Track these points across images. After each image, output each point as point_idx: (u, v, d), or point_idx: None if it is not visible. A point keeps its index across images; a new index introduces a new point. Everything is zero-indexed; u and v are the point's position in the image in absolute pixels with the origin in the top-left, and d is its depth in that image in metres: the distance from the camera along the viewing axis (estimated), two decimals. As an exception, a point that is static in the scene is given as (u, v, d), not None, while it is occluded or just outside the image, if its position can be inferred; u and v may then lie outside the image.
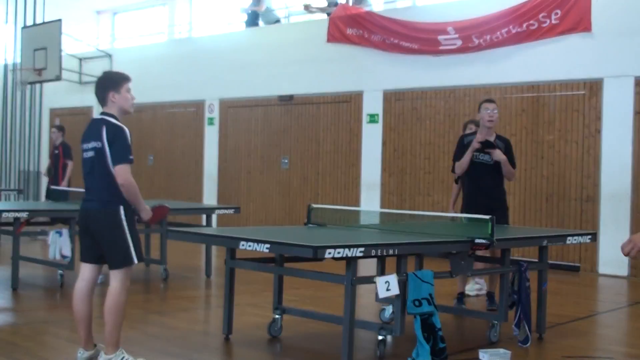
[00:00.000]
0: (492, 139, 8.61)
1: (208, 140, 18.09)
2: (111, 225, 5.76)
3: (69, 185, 14.90)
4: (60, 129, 15.56)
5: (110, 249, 5.79)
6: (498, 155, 8.51)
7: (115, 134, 5.75)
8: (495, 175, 8.65)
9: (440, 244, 6.64)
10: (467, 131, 9.68)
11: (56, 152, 15.31)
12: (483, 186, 8.66)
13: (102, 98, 5.95)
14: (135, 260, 5.79)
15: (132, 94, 6.01)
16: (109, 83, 5.95)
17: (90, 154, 5.83)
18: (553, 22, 12.75)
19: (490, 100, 8.78)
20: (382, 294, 6.12)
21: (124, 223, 5.76)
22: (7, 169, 22.32)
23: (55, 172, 15.19)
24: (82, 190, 6.18)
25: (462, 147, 8.74)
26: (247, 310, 8.39)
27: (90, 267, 5.93)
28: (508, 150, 8.71)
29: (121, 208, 5.76)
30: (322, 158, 15.90)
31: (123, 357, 5.76)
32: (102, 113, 5.94)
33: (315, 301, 9.05)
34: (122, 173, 5.70)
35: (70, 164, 15.07)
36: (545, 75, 12.93)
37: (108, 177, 5.75)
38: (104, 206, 5.77)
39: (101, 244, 5.81)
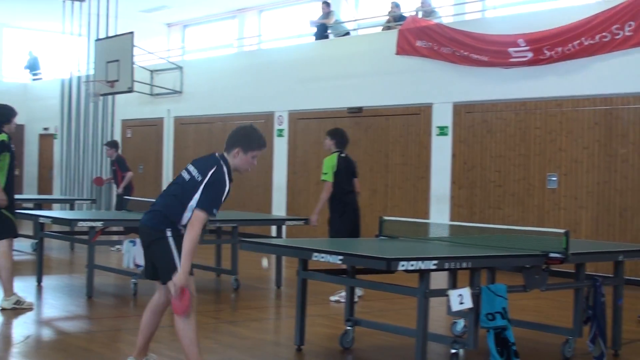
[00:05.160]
0: None
1: (277, 152, 18.20)
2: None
3: (128, 194, 15.11)
4: (112, 145, 15.80)
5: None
6: None
7: (215, 182, 5.62)
8: None
9: (515, 257, 6.58)
10: None
11: (113, 168, 15.63)
12: None
13: (228, 146, 5.79)
14: None
15: (255, 161, 5.84)
16: (243, 141, 5.77)
17: (186, 177, 5.73)
18: (626, 33, 12.55)
19: None
20: (455, 307, 6.11)
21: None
22: (81, 179, 22.77)
23: (117, 186, 15.54)
24: (145, 200, 6.25)
25: None
26: (317, 321, 8.42)
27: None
28: None
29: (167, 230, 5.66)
30: (392, 170, 15.88)
31: None
32: (222, 156, 5.78)
33: (387, 313, 9.04)
34: (197, 217, 5.50)
35: (128, 174, 15.34)
36: (618, 87, 12.74)
37: (175, 202, 5.68)
38: (154, 225, 5.73)
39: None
